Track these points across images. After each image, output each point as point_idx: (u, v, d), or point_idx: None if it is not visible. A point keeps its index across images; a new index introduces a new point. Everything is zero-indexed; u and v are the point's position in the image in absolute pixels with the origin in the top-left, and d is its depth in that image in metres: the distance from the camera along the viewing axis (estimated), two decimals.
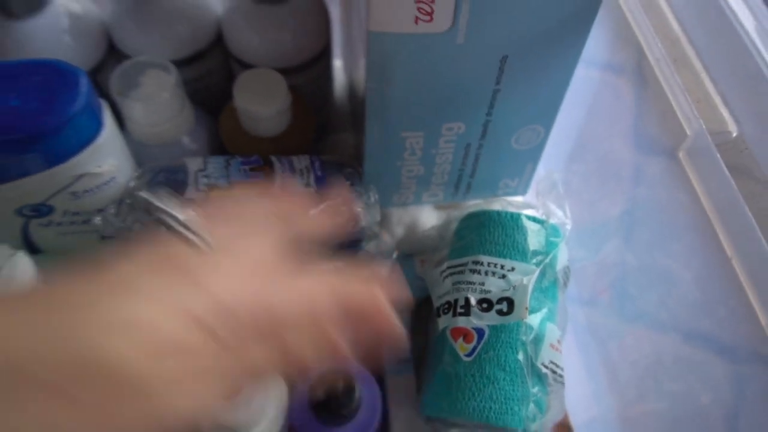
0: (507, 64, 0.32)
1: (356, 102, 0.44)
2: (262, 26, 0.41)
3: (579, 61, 0.34)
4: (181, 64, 0.40)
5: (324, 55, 0.45)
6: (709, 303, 0.34)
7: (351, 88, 0.48)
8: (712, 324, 0.34)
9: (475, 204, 0.43)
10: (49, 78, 0.30)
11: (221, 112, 0.41)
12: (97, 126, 0.32)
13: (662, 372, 0.40)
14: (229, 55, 0.43)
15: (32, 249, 0.37)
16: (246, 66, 0.42)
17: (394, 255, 0.40)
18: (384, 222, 0.42)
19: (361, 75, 0.36)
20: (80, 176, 0.32)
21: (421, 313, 0.41)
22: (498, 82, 0.33)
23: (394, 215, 0.42)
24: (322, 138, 0.47)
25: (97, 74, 0.41)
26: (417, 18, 0.29)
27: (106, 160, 0.33)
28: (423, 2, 0.28)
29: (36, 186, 0.32)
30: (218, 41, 0.43)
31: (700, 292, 0.35)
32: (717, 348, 0.34)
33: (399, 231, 0.42)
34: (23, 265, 0.32)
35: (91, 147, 0.31)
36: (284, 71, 0.40)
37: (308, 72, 0.43)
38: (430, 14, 0.29)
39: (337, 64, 0.49)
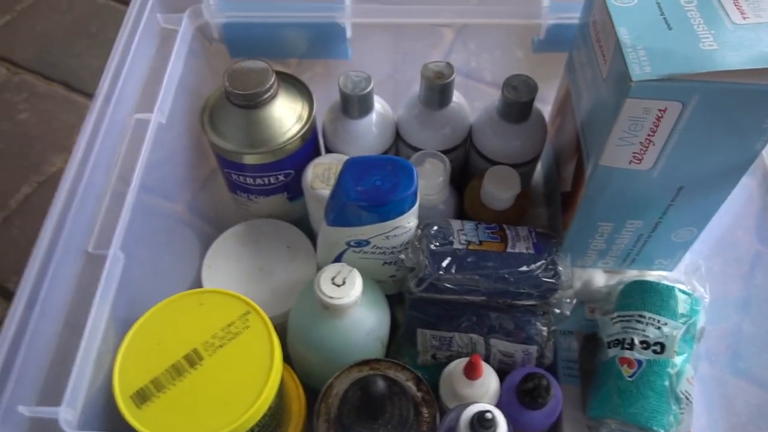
0: (682, 190, 0.49)
1: (552, 187, 0.62)
2: (503, 135, 0.60)
3: None
4: (441, 152, 0.60)
5: (537, 157, 0.63)
6: None
7: (547, 177, 0.66)
8: None
9: (634, 274, 0.60)
10: (395, 170, 0.50)
11: (465, 188, 0.61)
12: (414, 200, 0.51)
13: (760, 418, 0.55)
14: (473, 149, 0.62)
15: None
16: (486, 159, 0.61)
17: (574, 301, 0.57)
18: None
19: (569, 170, 0.54)
20: (397, 227, 0.52)
21: (588, 346, 0.58)
22: (673, 200, 0.50)
23: (576, 273, 0.60)
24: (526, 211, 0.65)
25: (386, 153, 0.62)
26: (631, 161, 0.47)
27: (413, 219, 0.53)
28: (637, 153, 0.46)
29: (369, 232, 0.52)
30: (467, 139, 0.62)
31: None
32: None
33: (577, 284, 0.60)
34: (358, 277, 0.52)
35: (409, 213, 0.51)
36: (513, 165, 0.60)
37: (527, 167, 0.62)
38: (641, 159, 0.47)
39: None
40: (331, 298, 0.50)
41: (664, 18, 0.45)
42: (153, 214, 0.60)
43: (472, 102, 0.69)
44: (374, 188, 0.50)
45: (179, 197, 0.72)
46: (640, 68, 0.42)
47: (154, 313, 0.45)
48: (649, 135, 0.45)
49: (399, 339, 0.59)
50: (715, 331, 0.56)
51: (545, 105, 0.67)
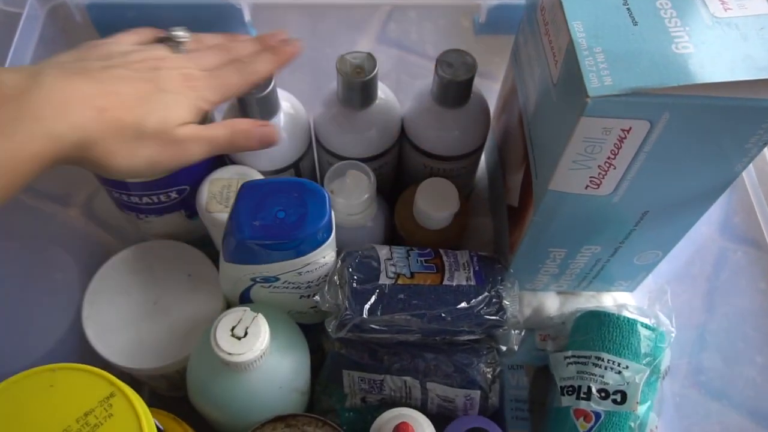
0: (646, 216, 0.41)
1: (497, 195, 0.53)
2: (440, 122, 0.50)
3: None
4: (367, 159, 0.51)
5: (479, 149, 0.54)
6: None
7: (492, 179, 0.57)
8: None
9: (590, 294, 0.52)
10: (302, 196, 0.41)
11: (397, 202, 0.52)
12: (329, 232, 0.42)
13: None
14: (406, 140, 0.52)
15: (242, 299, 0.48)
16: (421, 152, 0.52)
17: (523, 333, 0.50)
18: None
19: (516, 180, 0.46)
20: (308, 263, 0.43)
21: (540, 380, 0.51)
22: (636, 225, 0.42)
23: (525, 298, 0.52)
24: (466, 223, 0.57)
25: (300, 162, 0.52)
26: (587, 186, 0.38)
27: (329, 251, 0.43)
28: (595, 177, 0.38)
29: (276, 269, 0.43)
30: (398, 141, 0.53)
31: None
32: None
33: (527, 311, 0.52)
34: (264, 325, 0.43)
35: (324, 246, 0.42)
36: (449, 158, 0.50)
37: (465, 160, 0.53)
38: (599, 185, 0.38)
39: None
40: (230, 354, 0.41)
41: (628, 8, 0.35)
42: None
43: (413, 81, 0.59)
44: (276, 222, 0.40)
45: (71, 199, 0.61)
46: (598, 79, 0.32)
47: None
48: (609, 158, 0.36)
49: (324, 378, 0.50)
50: (684, 367, 0.49)
51: (493, 83, 0.58)
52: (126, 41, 0.43)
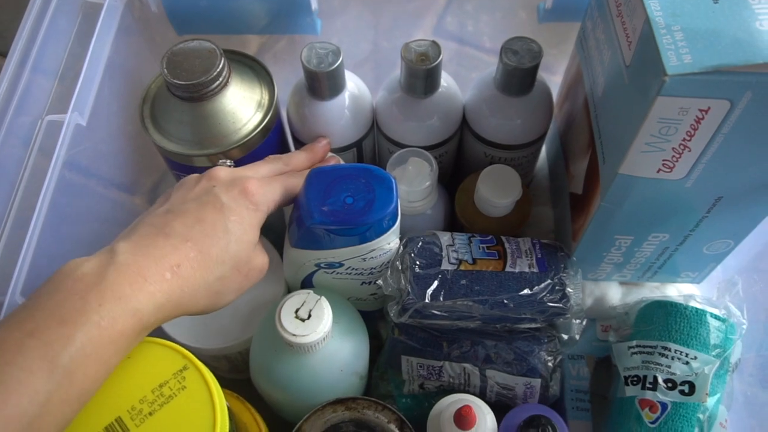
0: (720, 202, 0.40)
1: (559, 184, 0.53)
2: (503, 111, 0.50)
3: None
4: (428, 148, 0.51)
5: (542, 137, 0.54)
6: None
7: (553, 169, 0.57)
8: None
9: (655, 286, 0.51)
10: (369, 182, 0.41)
11: (458, 190, 0.52)
12: (395, 218, 0.42)
13: None
14: (467, 129, 0.52)
15: (304, 285, 0.49)
16: (482, 141, 0.51)
17: (584, 322, 0.49)
18: None
19: (580, 167, 0.45)
20: (374, 249, 0.43)
21: (601, 371, 0.50)
22: (708, 212, 0.41)
23: (587, 288, 0.51)
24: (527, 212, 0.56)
25: (362, 142, 0.52)
26: (660, 169, 0.37)
27: (393, 238, 0.44)
28: (668, 160, 0.37)
29: (341, 255, 0.43)
30: (459, 129, 0.52)
31: None
32: None
33: (589, 301, 0.51)
34: (327, 308, 0.43)
35: (389, 232, 0.42)
36: (511, 147, 0.50)
37: (527, 149, 0.53)
38: (672, 168, 0.37)
39: None
40: (294, 335, 0.41)
41: None
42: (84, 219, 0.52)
43: (469, 73, 0.58)
44: (344, 207, 0.40)
45: (137, 188, 0.63)
46: (677, 57, 0.32)
47: None
48: (684, 140, 0.35)
49: (382, 364, 0.51)
50: (756, 359, 0.48)
51: (553, 75, 0.57)
52: (191, 179, 0.43)
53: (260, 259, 0.42)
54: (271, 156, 0.47)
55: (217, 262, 0.38)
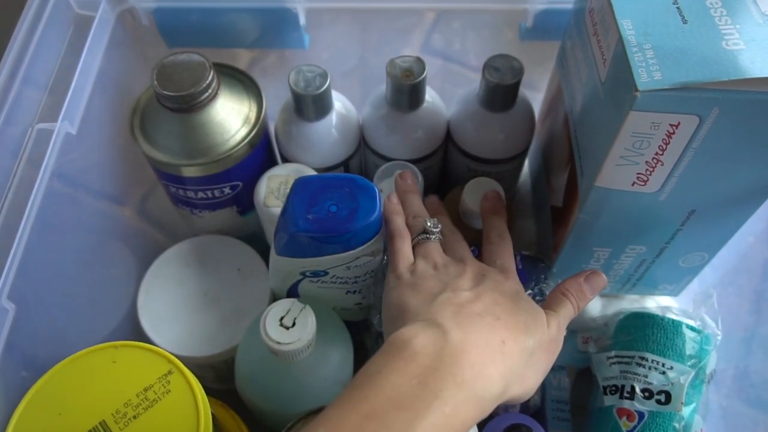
0: (693, 215, 0.41)
1: (541, 197, 0.54)
2: (486, 126, 0.51)
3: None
4: (413, 161, 0.52)
5: (524, 152, 0.55)
6: None
7: (535, 183, 0.58)
8: None
9: (634, 299, 0.52)
10: (353, 191, 0.42)
11: (443, 202, 0.53)
12: (378, 225, 0.43)
13: None
14: (451, 143, 0.54)
15: (290, 293, 0.50)
16: (466, 155, 0.53)
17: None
18: None
19: (560, 181, 0.46)
20: (359, 257, 0.44)
21: (581, 382, 0.51)
22: (682, 225, 0.42)
23: None
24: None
25: (349, 161, 0.53)
26: (634, 182, 0.39)
27: (378, 246, 0.45)
28: (642, 174, 0.38)
29: (326, 263, 0.44)
30: (443, 144, 0.54)
31: None
32: None
33: None
34: (311, 316, 0.44)
35: (373, 240, 0.43)
36: (494, 162, 0.52)
37: (510, 164, 0.54)
38: (646, 181, 0.39)
39: None
40: (278, 343, 0.42)
41: (678, 7, 0.36)
42: (82, 225, 0.52)
43: (455, 89, 0.60)
44: (329, 216, 0.41)
45: (126, 199, 0.64)
46: (647, 74, 0.33)
47: (56, 374, 0.37)
48: (657, 153, 0.36)
49: None
50: (730, 371, 0.49)
51: (538, 93, 0.59)
52: (435, 256, 0.41)
53: (553, 325, 0.39)
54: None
55: (527, 336, 0.36)
